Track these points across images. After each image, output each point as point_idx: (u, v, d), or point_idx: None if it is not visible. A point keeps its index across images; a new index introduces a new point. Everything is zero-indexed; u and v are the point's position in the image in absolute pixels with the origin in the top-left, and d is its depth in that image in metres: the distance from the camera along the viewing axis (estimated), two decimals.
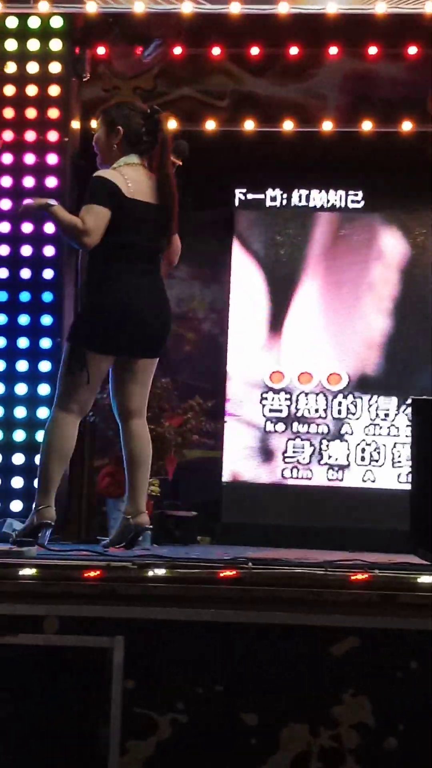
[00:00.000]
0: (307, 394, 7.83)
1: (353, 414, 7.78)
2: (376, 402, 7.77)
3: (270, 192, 7.94)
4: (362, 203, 7.91)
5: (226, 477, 7.81)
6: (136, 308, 5.39)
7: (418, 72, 7.39)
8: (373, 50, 7.28)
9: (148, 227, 5.42)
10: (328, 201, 7.92)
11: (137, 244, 5.40)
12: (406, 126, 7.46)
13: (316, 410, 7.81)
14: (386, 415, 7.76)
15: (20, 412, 6.93)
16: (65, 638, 4.09)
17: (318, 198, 7.92)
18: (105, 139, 5.56)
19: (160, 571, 4.29)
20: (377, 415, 7.77)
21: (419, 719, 3.96)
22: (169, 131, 5.57)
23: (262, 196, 7.96)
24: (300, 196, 7.94)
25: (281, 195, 7.95)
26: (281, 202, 7.96)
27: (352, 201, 7.91)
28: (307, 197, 7.93)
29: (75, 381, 5.36)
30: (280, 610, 4.10)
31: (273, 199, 7.97)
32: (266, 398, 7.85)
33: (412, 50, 7.24)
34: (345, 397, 7.79)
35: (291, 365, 7.87)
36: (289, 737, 3.99)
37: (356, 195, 7.90)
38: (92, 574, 4.22)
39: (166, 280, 5.57)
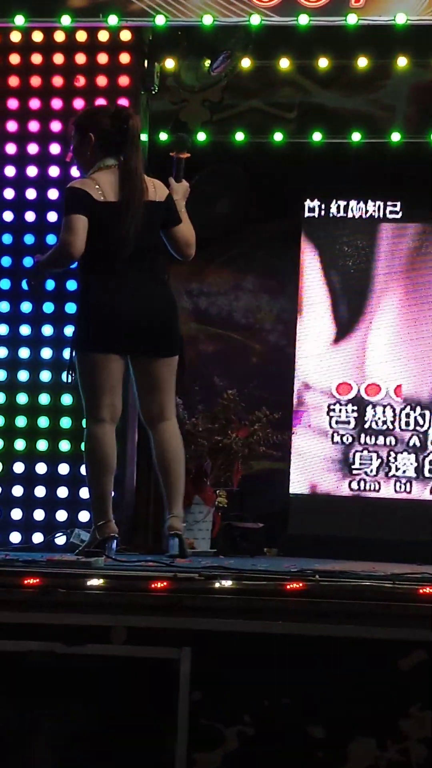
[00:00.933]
0: (374, 406, 7.80)
1: (421, 426, 7.74)
2: None
3: (338, 203, 7.92)
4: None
5: (293, 489, 7.80)
6: (120, 306, 5.47)
7: None
8: None
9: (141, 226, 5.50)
10: (396, 212, 7.89)
11: (116, 245, 5.45)
12: None
13: (384, 422, 7.78)
14: None
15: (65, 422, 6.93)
16: (133, 649, 4.10)
17: (384, 209, 7.89)
18: (78, 148, 5.65)
19: (227, 583, 4.29)
20: None
21: None
22: (137, 126, 5.60)
23: (330, 207, 7.95)
24: (367, 207, 7.91)
25: (350, 206, 7.92)
26: (349, 213, 7.93)
27: (418, 212, 7.88)
28: (376, 208, 7.90)
29: (88, 388, 5.50)
30: (347, 623, 4.08)
31: (341, 209, 7.95)
32: (334, 409, 7.83)
33: None
34: (413, 408, 7.75)
35: (359, 376, 7.85)
36: (357, 751, 3.97)
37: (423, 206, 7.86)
38: (159, 585, 4.23)
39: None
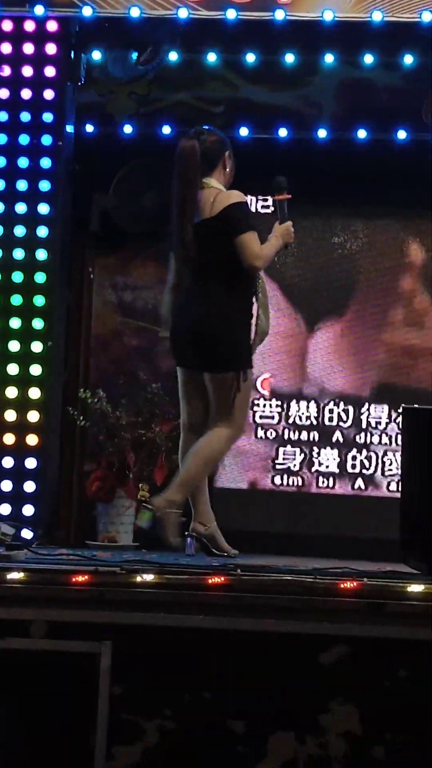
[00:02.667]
0: (298, 401, 7.82)
1: (344, 422, 7.77)
2: (368, 410, 7.76)
3: (263, 199, 7.92)
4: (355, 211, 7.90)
5: (217, 483, 7.79)
6: (175, 322, 5.82)
7: (413, 81, 7.40)
8: (369, 58, 7.28)
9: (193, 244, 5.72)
10: (323, 208, 7.90)
11: (179, 263, 5.81)
12: (402, 135, 7.47)
13: (308, 417, 7.80)
14: (377, 423, 7.75)
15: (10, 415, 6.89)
16: (53, 643, 4.08)
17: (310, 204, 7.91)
18: None
19: (149, 577, 4.28)
20: (369, 423, 7.75)
21: (407, 728, 3.95)
22: (184, 152, 5.82)
23: (257, 203, 7.94)
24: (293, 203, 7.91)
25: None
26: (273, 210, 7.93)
27: (346, 210, 7.90)
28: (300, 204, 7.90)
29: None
30: (268, 618, 4.09)
31: (265, 206, 7.95)
32: (257, 405, 7.84)
33: (408, 59, 7.24)
34: (336, 405, 7.78)
35: (282, 373, 7.86)
36: (276, 745, 3.98)
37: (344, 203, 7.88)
38: (80, 578, 4.21)
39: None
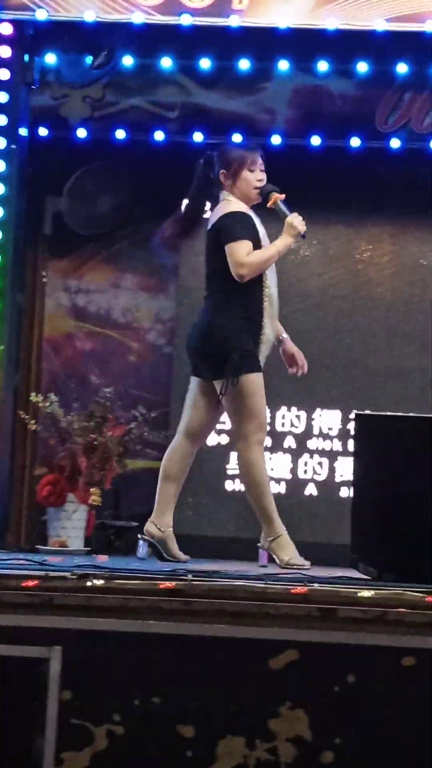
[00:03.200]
0: None
1: (296, 427, 7.78)
2: (320, 415, 7.78)
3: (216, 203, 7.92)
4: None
5: None
6: (189, 331, 5.96)
7: (367, 88, 7.44)
8: (323, 65, 7.30)
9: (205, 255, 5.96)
10: (276, 214, 7.91)
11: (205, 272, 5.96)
12: (355, 142, 7.50)
13: None
14: (329, 428, 7.77)
15: None
16: (1, 648, 4.05)
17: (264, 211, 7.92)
18: None
19: (99, 582, 4.26)
20: (321, 428, 7.77)
21: (355, 733, 3.96)
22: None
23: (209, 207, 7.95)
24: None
25: None
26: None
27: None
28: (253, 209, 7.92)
29: None
30: (218, 623, 4.09)
31: None
32: None
33: (362, 66, 7.27)
34: (289, 410, 7.79)
35: None
36: (226, 750, 3.98)
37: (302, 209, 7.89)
38: (30, 583, 4.19)
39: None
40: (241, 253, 5.73)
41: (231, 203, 5.90)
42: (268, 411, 5.90)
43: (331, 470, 7.74)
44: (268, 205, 5.95)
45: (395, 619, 4.04)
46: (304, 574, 5.02)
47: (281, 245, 5.84)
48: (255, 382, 5.73)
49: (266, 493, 5.80)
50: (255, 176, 5.94)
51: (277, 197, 5.95)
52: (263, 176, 5.96)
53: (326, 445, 7.76)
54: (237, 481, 7.73)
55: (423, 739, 3.90)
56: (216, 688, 4.04)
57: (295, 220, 5.88)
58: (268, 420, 5.71)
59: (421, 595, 4.12)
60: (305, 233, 5.90)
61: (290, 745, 3.98)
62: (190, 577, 4.52)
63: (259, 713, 4.00)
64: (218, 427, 7.73)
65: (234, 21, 6.86)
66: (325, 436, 7.77)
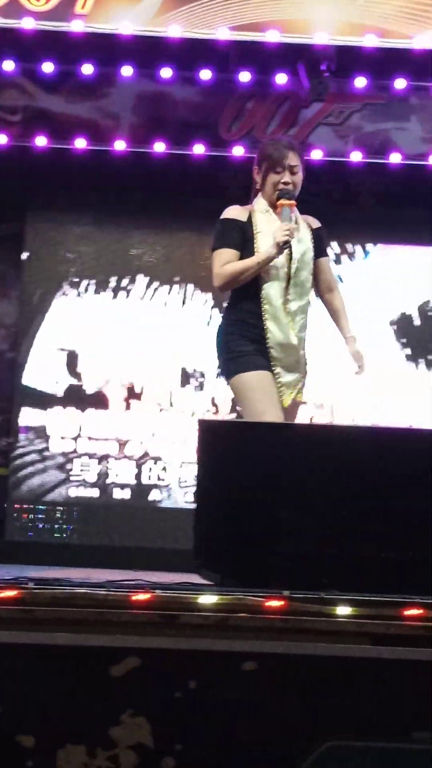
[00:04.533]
0: (97, 410, 7.81)
1: (141, 433, 7.79)
2: (164, 422, 7.80)
3: (61, 209, 7.89)
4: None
5: (12, 494, 7.71)
6: None
7: (211, 96, 7.48)
8: (166, 72, 7.33)
9: None
10: (121, 219, 7.92)
11: None
12: (198, 148, 7.54)
13: (105, 429, 7.79)
14: (173, 434, 7.79)
15: None
16: None
17: (108, 216, 7.92)
18: None
19: None
20: (165, 434, 7.79)
21: (197, 739, 3.97)
22: None
23: (54, 213, 7.91)
24: (90, 215, 7.92)
25: (72, 213, 7.91)
26: (73, 220, 7.92)
27: (144, 222, 7.94)
28: (95, 217, 7.92)
29: None
30: (60, 631, 4.05)
31: (65, 216, 7.93)
32: (57, 415, 7.80)
33: (206, 74, 7.32)
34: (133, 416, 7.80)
35: (88, 381, 7.84)
36: (66, 759, 3.95)
37: (146, 215, 7.92)
38: None
39: None
40: (217, 263, 5.58)
41: (232, 209, 5.69)
42: (274, 410, 5.52)
43: (176, 476, 7.77)
44: (276, 212, 5.59)
45: (236, 624, 4.06)
46: (146, 581, 5.01)
47: (263, 256, 5.51)
48: (246, 383, 5.55)
49: None
50: (280, 178, 5.58)
51: (283, 204, 5.56)
52: (290, 179, 5.58)
53: (172, 451, 7.79)
54: (80, 487, 7.70)
55: (262, 743, 3.93)
56: (57, 697, 4.00)
57: (277, 230, 5.52)
58: (271, 419, 5.48)
59: (262, 599, 4.15)
60: (283, 243, 5.48)
61: (131, 752, 3.96)
62: (31, 585, 4.47)
63: (101, 721, 3.98)
64: (64, 433, 7.73)
65: (76, 26, 6.85)
66: (170, 443, 7.79)
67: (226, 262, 5.58)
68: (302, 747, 3.88)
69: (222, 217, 5.67)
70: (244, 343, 5.59)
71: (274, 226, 5.53)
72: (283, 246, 5.49)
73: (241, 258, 5.56)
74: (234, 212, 5.67)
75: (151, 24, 6.95)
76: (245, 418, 5.63)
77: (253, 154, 7.43)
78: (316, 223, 5.78)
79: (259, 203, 5.64)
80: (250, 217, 5.63)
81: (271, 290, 5.58)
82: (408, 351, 8.00)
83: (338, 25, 7.00)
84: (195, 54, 7.23)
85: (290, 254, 5.56)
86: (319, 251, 5.73)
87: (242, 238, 5.59)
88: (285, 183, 5.57)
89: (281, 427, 5.32)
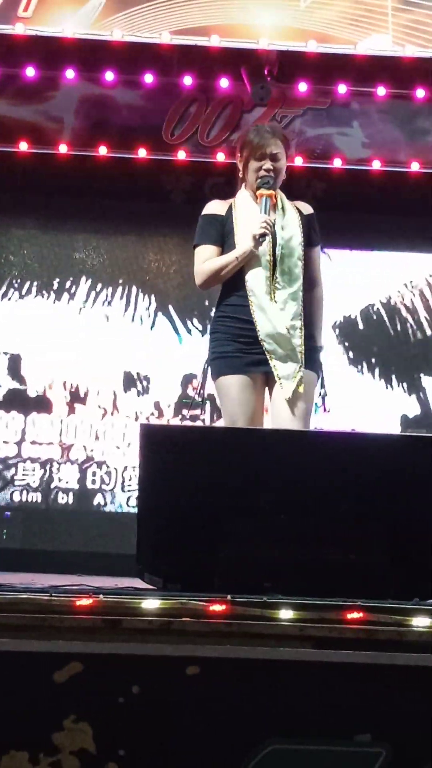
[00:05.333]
0: (40, 414, 7.78)
1: (85, 437, 7.77)
2: (107, 425, 7.79)
3: (4, 212, 7.86)
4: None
5: None
6: None
7: (154, 100, 7.49)
8: (109, 76, 7.32)
9: None
10: (64, 223, 7.90)
11: None
12: (142, 152, 7.54)
13: (48, 433, 7.77)
14: (117, 438, 7.78)
15: None
16: None
17: (49, 221, 7.90)
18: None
19: None
20: (108, 438, 7.78)
21: (139, 744, 3.97)
22: None
23: None
24: (33, 218, 7.90)
25: (15, 216, 7.89)
26: (15, 223, 7.90)
27: (87, 225, 7.92)
28: (41, 218, 7.90)
29: None
30: (3, 637, 4.04)
31: (7, 219, 7.90)
32: None
33: (149, 78, 7.32)
34: (82, 421, 7.78)
35: (31, 385, 7.81)
36: (9, 765, 3.93)
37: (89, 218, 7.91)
38: None
39: None
40: (196, 261, 5.47)
41: (211, 204, 5.57)
42: (243, 417, 5.38)
43: (120, 480, 7.76)
44: (260, 193, 5.41)
45: (179, 628, 4.06)
46: (90, 586, 5.00)
47: (240, 251, 5.37)
48: (221, 387, 5.45)
49: None
50: (261, 165, 5.42)
51: (262, 194, 5.39)
52: (271, 166, 5.42)
53: (116, 456, 7.78)
54: (23, 491, 7.67)
55: (205, 748, 3.94)
56: (0, 704, 3.99)
57: (254, 223, 5.35)
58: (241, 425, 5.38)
59: (205, 604, 4.16)
60: (260, 236, 5.31)
61: (74, 758, 3.96)
62: None
63: (43, 727, 3.97)
64: (6, 438, 7.70)
65: (19, 28, 6.82)
66: (115, 447, 7.78)
67: (205, 259, 5.45)
68: (245, 751, 3.89)
69: (202, 212, 5.54)
70: (226, 342, 5.44)
71: (254, 217, 5.37)
72: (260, 239, 5.32)
73: (224, 252, 5.43)
74: (212, 207, 5.54)
75: (94, 27, 6.95)
76: (224, 421, 5.50)
77: (195, 158, 7.56)
78: (307, 209, 5.61)
79: (241, 194, 5.52)
80: (230, 210, 5.48)
81: (255, 281, 5.41)
82: (351, 354, 8.05)
83: (281, 31, 7.03)
84: (138, 58, 7.23)
85: (273, 241, 5.40)
86: (308, 240, 5.52)
87: (221, 232, 5.46)
88: (267, 170, 5.41)
89: (222, 431, 5.35)
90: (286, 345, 5.37)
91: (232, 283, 5.44)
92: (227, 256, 5.41)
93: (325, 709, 3.86)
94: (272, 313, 5.36)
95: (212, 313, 5.71)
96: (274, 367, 5.37)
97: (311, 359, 5.48)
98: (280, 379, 5.38)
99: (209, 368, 5.52)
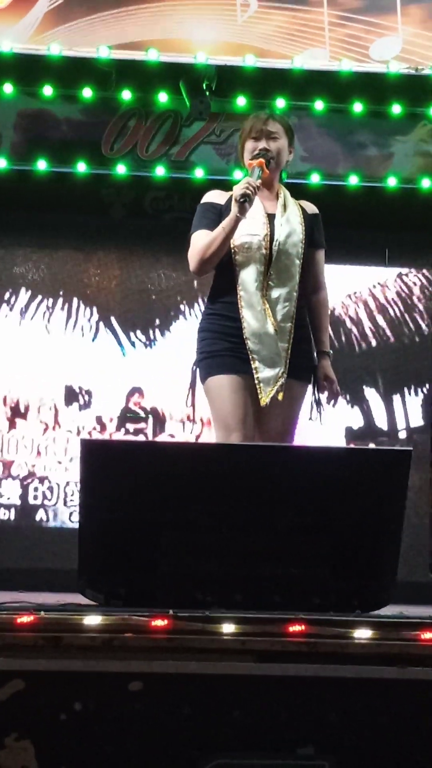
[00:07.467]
0: None
1: (27, 453, 7.74)
2: (53, 440, 7.76)
3: None
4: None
5: None
6: None
7: (92, 114, 7.48)
8: (48, 90, 7.31)
9: None
10: (4, 237, 7.88)
11: None
12: (81, 167, 7.53)
13: None
14: (56, 452, 7.76)
15: None
16: None
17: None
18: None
19: None
20: (52, 453, 7.75)
21: (83, 761, 3.96)
22: None
23: None
24: None
25: None
26: None
27: (28, 240, 7.90)
28: None
29: None
30: None
31: None
32: None
33: (87, 92, 7.32)
34: (23, 436, 7.75)
35: None
36: None
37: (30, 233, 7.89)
38: None
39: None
40: (192, 246, 5.20)
41: (210, 193, 5.35)
42: (233, 420, 5.13)
43: (62, 496, 7.73)
44: (251, 162, 5.20)
45: (121, 644, 4.06)
46: (31, 603, 4.98)
47: (226, 221, 5.10)
48: (210, 388, 5.19)
49: None
50: (257, 144, 5.23)
51: (251, 164, 5.18)
52: (267, 144, 5.22)
53: (58, 471, 7.75)
54: None
55: (150, 763, 3.93)
56: None
57: (236, 188, 5.09)
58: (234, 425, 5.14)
59: (146, 619, 4.15)
60: (240, 197, 5.00)
61: None
62: None
63: None
64: None
65: None
66: (56, 462, 7.76)
67: (197, 244, 5.19)
68: (190, 766, 3.89)
69: (201, 201, 5.34)
70: (215, 341, 5.20)
71: (253, 208, 5.11)
72: (241, 199, 5.02)
73: None
74: (211, 196, 5.34)
75: (31, 41, 6.95)
76: (214, 424, 5.28)
77: (136, 172, 7.55)
78: (312, 209, 5.38)
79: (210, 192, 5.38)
80: (229, 201, 5.17)
81: (247, 275, 5.16)
82: None
83: (219, 45, 7.07)
84: (76, 72, 7.23)
85: (270, 234, 5.19)
86: (311, 241, 5.29)
87: (218, 221, 5.17)
88: (262, 149, 5.20)
89: (162, 446, 5.35)
90: (271, 347, 5.12)
91: (223, 279, 5.20)
92: (214, 231, 5.14)
93: (268, 722, 3.86)
94: (259, 310, 5.12)
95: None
96: (255, 369, 5.12)
97: (307, 367, 5.30)
98: (259, 383, 5.13)
99: (197, 369, 5.28)
